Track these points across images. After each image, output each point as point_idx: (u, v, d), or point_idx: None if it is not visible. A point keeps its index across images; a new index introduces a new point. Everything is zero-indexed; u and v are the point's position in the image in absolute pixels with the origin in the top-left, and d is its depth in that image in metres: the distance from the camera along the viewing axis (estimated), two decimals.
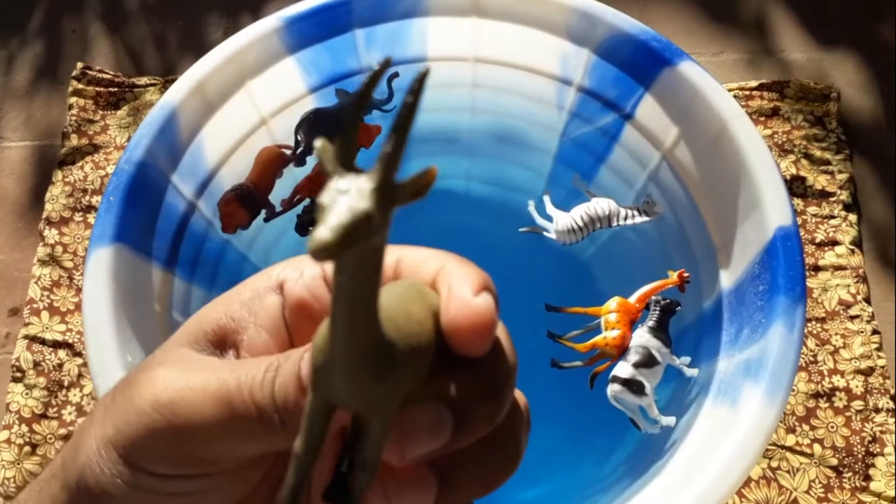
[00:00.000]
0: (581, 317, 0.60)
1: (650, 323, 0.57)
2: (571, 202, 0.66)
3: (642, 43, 0.59)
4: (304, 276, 0.18)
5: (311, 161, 0.65)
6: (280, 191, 0.64)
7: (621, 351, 0.56)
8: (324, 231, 0.11)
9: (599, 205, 0.63)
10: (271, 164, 0.62)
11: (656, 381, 0.56)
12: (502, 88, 0.66)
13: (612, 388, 0.55)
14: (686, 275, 0.59)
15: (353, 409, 0.14)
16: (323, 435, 0.15)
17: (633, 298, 0.59)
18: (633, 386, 0.55)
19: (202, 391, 0.16)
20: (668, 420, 0.54)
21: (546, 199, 0.65)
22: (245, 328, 0.18)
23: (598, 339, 0.57)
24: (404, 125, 0.13)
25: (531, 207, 0.66)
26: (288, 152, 0.64)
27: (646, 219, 0.62)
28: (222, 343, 0.19)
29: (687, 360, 0.57)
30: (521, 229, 0.66)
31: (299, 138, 0.64)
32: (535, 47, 0.63)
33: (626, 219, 0.63)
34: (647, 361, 0.55)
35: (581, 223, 0.62)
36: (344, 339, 0.13)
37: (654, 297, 0.58)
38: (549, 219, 0.64)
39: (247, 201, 0.61)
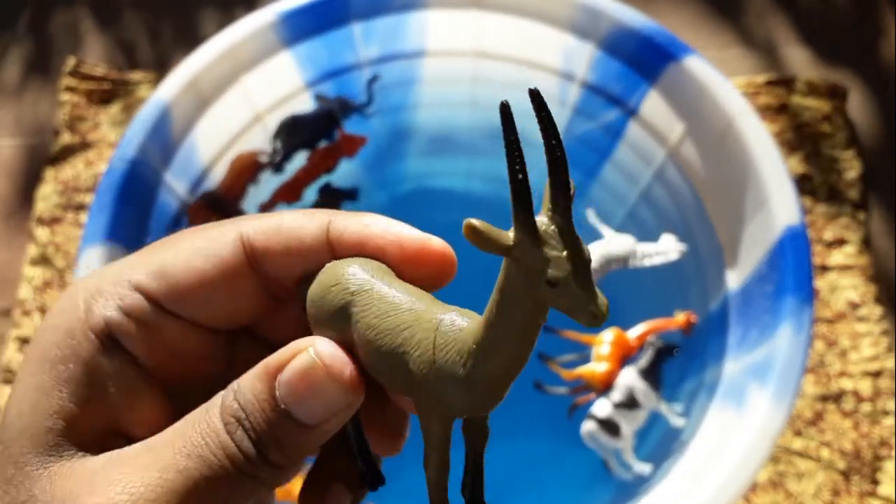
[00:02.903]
0: (575, 342, 0.58)
1: (641, 363, 0.55)
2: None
3: (647, 37, 0.58)
4: (123, 304, 0.16)
5: (289, 168, 0.64)
6: (262, 195, 0.64)
7: (606, 386, 0.54)
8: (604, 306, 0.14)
9: (615, 244, 0.59)
10: (245, 171, 0.62)
11: (636, 426, 0.54)
12: (503, 84, 0.65)
13: (587, 426, 0.53)
14: (693, 319, 0.57)
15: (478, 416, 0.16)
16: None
17: (631, 334, 0.56)
18: (608, 427, 0.53)
19: (170, 496, 0.14)
20: (643, 467, 0.53)
21: None
22: (109, 404, 0.16)
23: (584, 369, 0.55)
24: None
25: None
26: (264, 158, 0.63)
27: (665, 260, 0.58)
28: (94, 435, 0.16)
29: (678, 407, 0.55)
30: None
31: (277, 146, 0.63)
32: (536, 41, 0.62)
33: (643, 258, 0.59)
34: (629, 403, 0.53)
35: (596, 265, 0.58)
36: (520, 362, 0.15)
37: (650, 339, 0.56)
38: None
39: (216, 208, 0.60)
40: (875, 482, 0.68)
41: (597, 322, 0.14)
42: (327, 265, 0.17)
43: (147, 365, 0.17)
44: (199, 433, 0.15)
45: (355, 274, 0.16)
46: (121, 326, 0.16)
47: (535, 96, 0.14)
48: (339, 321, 0.16)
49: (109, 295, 0.16)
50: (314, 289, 0.17)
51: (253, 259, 0.17)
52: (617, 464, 0.54)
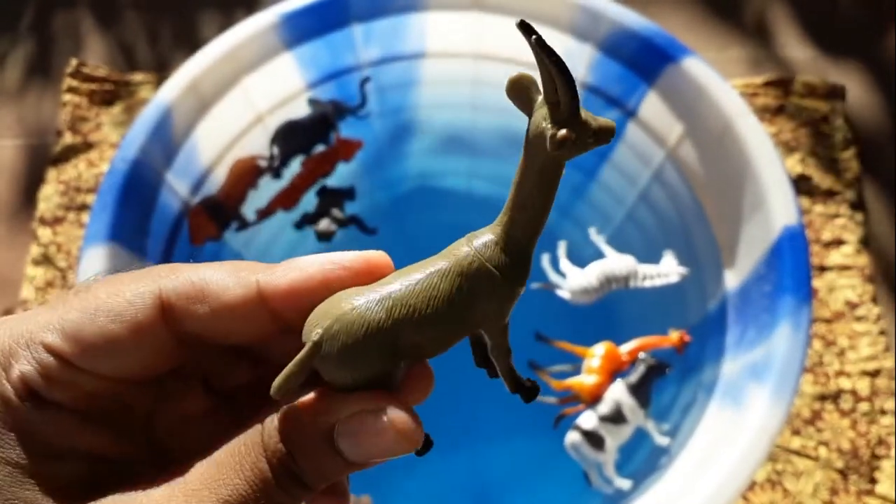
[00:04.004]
0: (568, 353, 0.58)
1: (631, 379, 0.55)
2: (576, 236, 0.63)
3: (646, 39, 0.58)
4: (39, 366, 0.17)
5: (287, 174, 0.64)
6: (260, 201, 0.64)
7: (594, 399, 0.54)
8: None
9: (616, 263, 0.59)
10: (244, 176, 0.62)
11: (621, 441, 0.54)
12: (503, 85, 0.65)
13: (571, 437, 0.53)
14: (687, 338, 0.56)
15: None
16: None
17: (623, 348, 0.56)
18: (593, 439, 0.53)
19: None
20: (624, 483, 0.53)
21: (561, 251, 0.61)
22: (63, 452, 0.17)
23: (573, 380, 0.55)
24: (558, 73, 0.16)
25: (545, 262, 0.61)
26: (263, 163, 0.63)
27: (666, 282, 0.58)
28: (73, 480, 0.17)
29: (665, 426, 0.55)
30: (533, 285, 0.61)
31: (275, 151, 0.63)
32: None
33: (644, 279, 0.58)
34: (615, 417, 0.53)
35: (597, 283, 0.58)
36: (524, 228, 0.17)
37: (643, 354, 0.56)
38: (564, 275, 0.60)
39: (215, 213, 0.60)
40: (873, 481, 0.68)
41: (612, 132, 0.17)
42: (322, 334, 0.17)
43: (77, 409, 0.17)
44: (247, 482, 0.16)
45: (366, 304, 0.17)
46: (41, 384, 0.16)
47: (525, 27, 0.16)
48: (387, 352, 0.17)
49: (24, 357, 0.16)
50: (341, 359, 0.17)
51: (172, 322, 0.17)
52: (598, 477, 0.54)
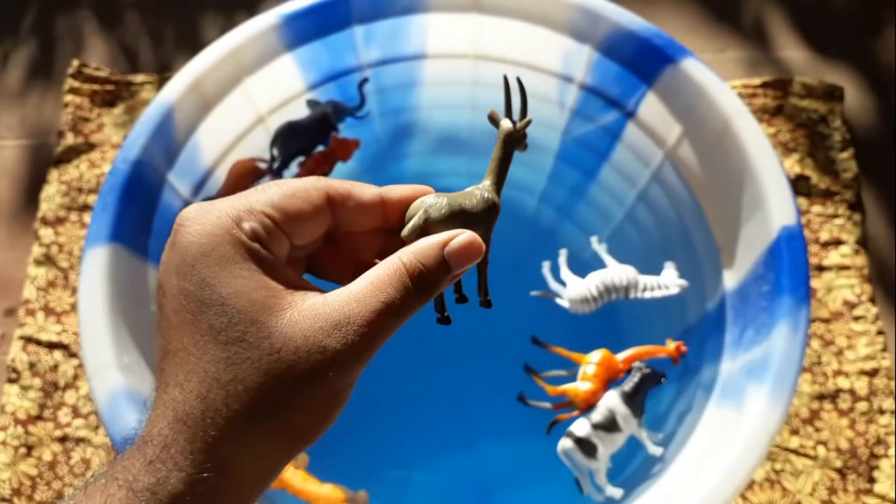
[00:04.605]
0: (564, 358, 0.58)
1: (626, 387, 0.54)
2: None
3: (645, 40, 0.59)
4: (263, 223, 0.25)
5: (287, 175, 0.64)
6: None
7: (588, 406, 0.54)
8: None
9: (617, 273, 0.59)
10: (244, 178, 0.62)
11: (613, 449, 0.53)
12: (502, 85, 0.66)
13: (564, 444, 0.53)
14: (684, 348, 0.56)
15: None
16: None
17: (619, 356, 0.56)
18: (585, 446, 0.53)
19: (376, 329, 0.24)
20: (615, 491, 0.52)
21: (562, 259, 0.61)
22: (279, 270, 0.25)
23: (569, 386, 0.55)
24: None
25: (545, 270, 0.61)
26: (263, 165, 0.63)
27: (666, 293, 0.58)
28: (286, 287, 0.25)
29: (658, 436, 0.55)
30: (532, 293, 0.60)
31: (275, 153, 0.63)
32: (536, 44, 0.63)
33: (644, 290, 0.59)
34: (609, 425, 0.53)
35: (596, 292, 0.58)
36: (500, 183, 0.29)
37: (638, 363, 0.55)
38: (564, 283, 0.60)
39: None
40: (871, 480, 0.69)
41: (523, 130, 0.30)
42: (431, 204, 0.27)
43: (279, 256, 0.26)
44: (396, 290, 0.25)
45: (446, 195, 0.28)
46: (265, 237, 0.25)
47: (506, 81, 0.28)
48: (457, 218, 0.27)
49: (251, 219, 0.25)
50: (441, 217, 0.27)
51: (332, 208, 0.27)
52: (589, 484, 0.54)
